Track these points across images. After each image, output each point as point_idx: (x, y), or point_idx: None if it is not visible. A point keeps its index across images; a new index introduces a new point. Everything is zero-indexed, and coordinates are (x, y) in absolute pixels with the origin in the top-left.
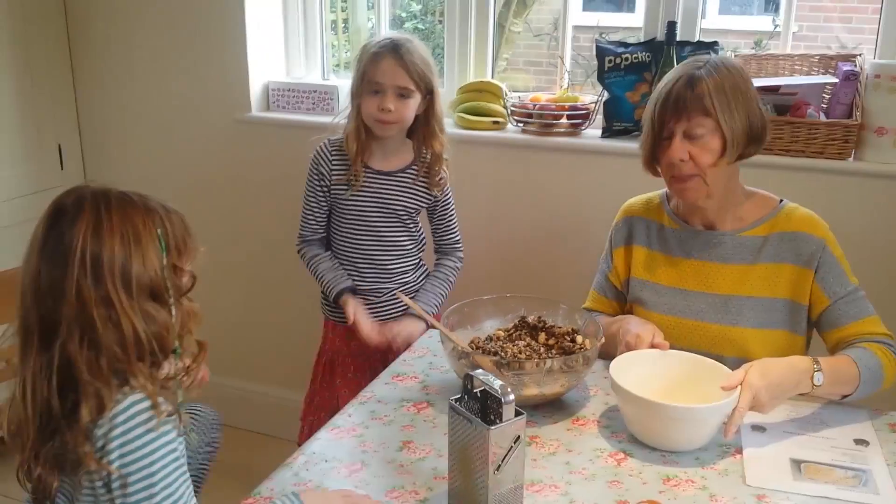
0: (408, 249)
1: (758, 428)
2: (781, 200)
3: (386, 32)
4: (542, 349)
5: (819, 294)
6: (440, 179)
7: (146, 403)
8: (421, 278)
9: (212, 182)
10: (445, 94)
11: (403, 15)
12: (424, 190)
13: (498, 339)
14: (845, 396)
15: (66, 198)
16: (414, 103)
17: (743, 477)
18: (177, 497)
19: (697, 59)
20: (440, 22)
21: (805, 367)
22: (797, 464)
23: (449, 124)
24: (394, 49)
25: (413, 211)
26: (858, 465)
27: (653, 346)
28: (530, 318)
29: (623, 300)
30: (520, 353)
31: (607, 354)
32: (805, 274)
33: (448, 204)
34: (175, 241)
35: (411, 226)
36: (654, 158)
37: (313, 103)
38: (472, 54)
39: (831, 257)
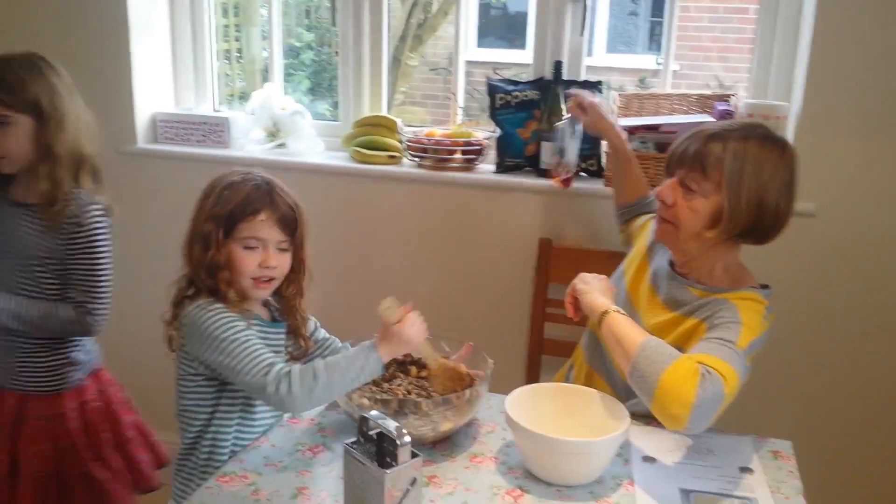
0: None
1: (648, 459)
2: (757, 287)
3: None
4: (426, 383)
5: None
6: (57, 223)
7: (208, 302)
8: (58, 362)
9: None
10: (340, 127)
11: (298, 45)
12: (45, 232)
13: (374, 383)
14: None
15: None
16: (14, 131)
17: None
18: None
19: (756, 125)
20: (336, 53)
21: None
22: (687, 494)
23: (344, 157)
24: None
25: (38, 257)
26: (744, 493)
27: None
28: None
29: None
30: (409, 393)
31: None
32: (698, 327)
33: (76, 255)
34: (225, 205)
35: (42, 278)
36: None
37: (203, 135)
38: (367, 88)
39: (733, 314)
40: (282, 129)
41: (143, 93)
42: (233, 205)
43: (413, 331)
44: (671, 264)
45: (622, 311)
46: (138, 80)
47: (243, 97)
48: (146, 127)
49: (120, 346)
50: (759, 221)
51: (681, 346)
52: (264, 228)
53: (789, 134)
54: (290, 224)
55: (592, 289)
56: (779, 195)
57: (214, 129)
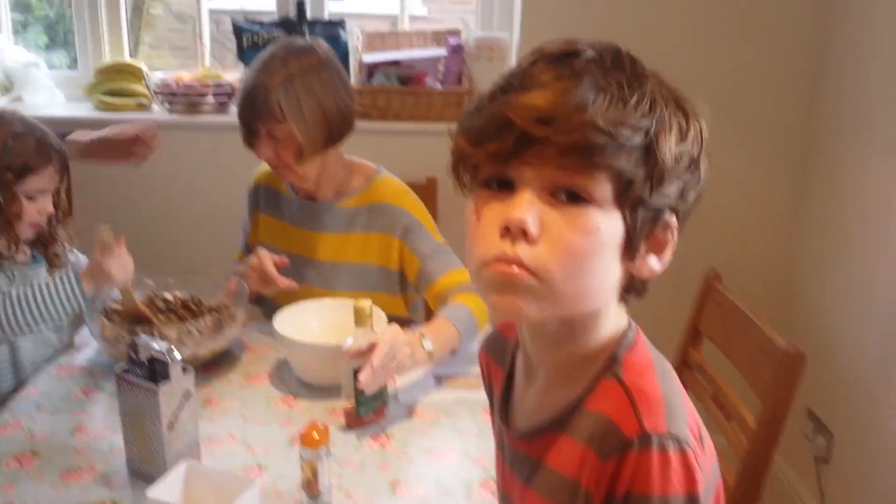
0: None
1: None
2: (378, 169)
3: None
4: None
5: (410, 256)
6: None
7: None
8: None
9: None
10: (81, 77)
11: (33, 1)
12: None
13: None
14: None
15: None
16: None
17: (395, 393)
18: None
19: (281, 47)
20: (70, 6)
21: (412, 338)
22: (439, 379)
23: (88, 108)
24: None
25: None
26: None
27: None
28: None
29: None
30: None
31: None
32: (392, 242)
33: None
34: (17, 158)
35: None
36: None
37: None
38: (106, 35)
39: (415, 222)
40: (16, 82)
41: None
42: (24, 158)
43: (115, 267)
44: (297, 197)
45: (421, 334)
46: None
47: None
48: None
49: None
50: (331, 129)
51: (384, 262)
52: (51, 181)
53: (511, 62)
54: (64, 170)
55: (401, 346)
56: (337, 99)
57: None
